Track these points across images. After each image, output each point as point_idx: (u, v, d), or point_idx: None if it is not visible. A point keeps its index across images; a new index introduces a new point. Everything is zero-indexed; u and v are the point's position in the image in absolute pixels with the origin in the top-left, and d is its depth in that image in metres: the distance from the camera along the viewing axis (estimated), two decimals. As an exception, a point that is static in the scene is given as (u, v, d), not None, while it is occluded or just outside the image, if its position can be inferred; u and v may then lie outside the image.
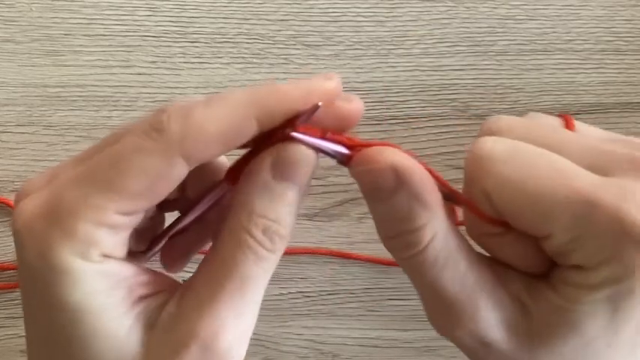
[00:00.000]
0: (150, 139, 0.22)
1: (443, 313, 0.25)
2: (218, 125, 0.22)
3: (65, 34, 0.47)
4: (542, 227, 0.23)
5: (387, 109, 0.48)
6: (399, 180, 0.23)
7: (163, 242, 0.28)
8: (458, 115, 0.49)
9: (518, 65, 0.49)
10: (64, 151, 0.47)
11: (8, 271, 0.47)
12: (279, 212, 0.24)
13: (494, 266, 0.25)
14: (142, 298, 0.24)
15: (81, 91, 0.47)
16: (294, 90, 0.23)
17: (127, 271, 0.24)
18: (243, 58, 0.48)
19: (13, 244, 0.46)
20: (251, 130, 0.23)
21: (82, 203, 0.22)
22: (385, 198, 0.23)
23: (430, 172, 0.25)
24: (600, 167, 0.23)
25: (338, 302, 0.47)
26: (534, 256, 0.25)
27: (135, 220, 0.23)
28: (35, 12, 0.47)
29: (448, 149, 0.48)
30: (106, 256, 0.23)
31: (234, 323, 0.23)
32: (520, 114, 0.49)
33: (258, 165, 0.24)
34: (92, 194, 0.22)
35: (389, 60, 0.49)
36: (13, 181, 0.47)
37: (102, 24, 0.47)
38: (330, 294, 0.48)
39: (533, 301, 0.24)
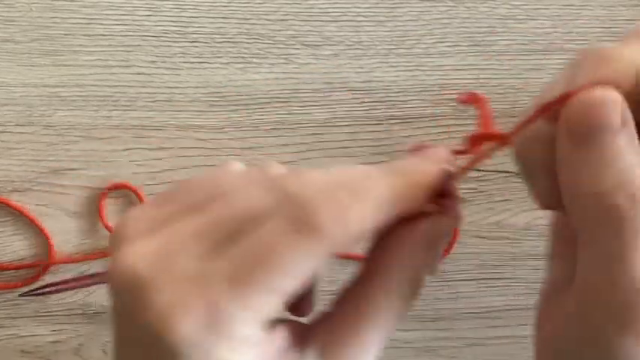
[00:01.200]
0: (304, 237, 0.22)
1: (624, 304, 0.22)
2: (364, 226, 0.23)
3: (65, 34, 0.47)
4: None
5: (387, 109, 0.48)
6: (624, 119, 0.22)
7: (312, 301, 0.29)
8: (458, 115, 0.48)
9: (519, 65, 0.49)
10: (64, 151, 0.47)
11: (8, 271, 0.47)
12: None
13: None
14: (275, 355, 0.24)
15: (80, 91, 0.47)
16: (430, 184, 0.24)
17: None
18: (243, 58, 0.48)
19: (12, 244, 0.46)
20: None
21: (242, 308, 0.22)
22: (608, 141, 0.22)
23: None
24: None
25: (338, 302, 0.47)
26: None
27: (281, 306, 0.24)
28: (35, 12, 0.47)
29: (448, 149, 0.48)
30: (254, 342, 0.23)
31: None
32: (520, 114, 0.50)
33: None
34: (250, 298, 0.22)
35: (389, 60, 0.49)
36: (13, 181, 0.47)
37: (102, 24, 0.47)
38: (330, 294, 0.48)
39: None
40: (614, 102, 0.22)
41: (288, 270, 0.22)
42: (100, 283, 0.46)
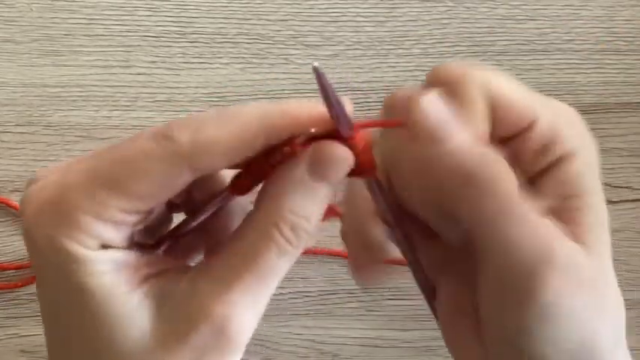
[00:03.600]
0: (159, 145, 0.23)
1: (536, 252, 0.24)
2: (227, 140, 0.23)
3: (65, 34, 0.47)
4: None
5: (386, 109, 0.48)
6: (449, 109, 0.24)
7: (168, 243, 0.28)
8: (458, 115, 0.49)
9: (518, 65, 0.49)
10: (64, 151, 0.47)
11: (8, 271, 0.47)
12: (309, 209, 0.24)
13: None
14: (149, 276, 0.25)
15: (81, 91, 0.47)
16: (302, 112, 0.24)
17: (130, 255, 0.25)
18: (243, 58, 0.48)
19: (12, 244, 0.47)
20: (257, 147, 0.24)
21: (87, 198, 0.23)
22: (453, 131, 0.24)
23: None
24: None
25: (338, 302, 0.47)
26: None
27: (136, 217, 0.24)
28: (35, 12, 0.47)
29: (448, 149, 0.48)
30: (106, 246, 0.24)
31: (247, 310, 0.24)
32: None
33: (294, 161, 0.24)
34: (97, 191, 0.23)
35: (389, 60, 0.49)
36: (13, 181, 0.47)
37: (102, 24, 0.47)
38: (329, 294, 0.48)
39: None
40: (436, 97, 0.24)
41: (138, 172, 0.23)
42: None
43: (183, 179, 0.23)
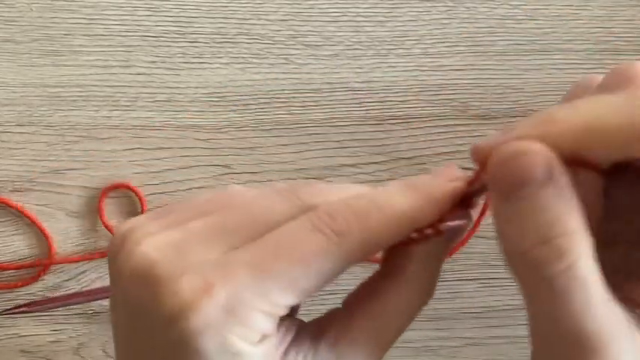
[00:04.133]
0: (331, 242, 0.23)
1: (574, 352, 0.22)
2: (385, 234, 0.24)
3: (65, 34, 0.47)
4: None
5: (387, 109, 0.48)
6: (550, 171, 0.21)
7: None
8: (458, 115, 0.49)
9: (518, 65, 0.49)
10: (64, 151, 0.47)
11: (8, 271, 0.47)
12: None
13: None
14: (289, 349, 0.25)
15: (81, 91, 0.47)
16: (446, 201, 0.24)
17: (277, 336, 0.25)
18: (242, 58, 0.48)
19: (12, 244, 0.46)
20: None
21: (260, 297, 0.23)
22: (531, 194, 0.21)
23: None
24: None
25: (338, 302, 0.47)
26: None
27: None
28: (35, 12, 0.47)
29: (448, 149, 0.48)
30: (266, 336, 0.24)
31: None
32: (520, 114, 0.50)
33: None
34: (270, 290, 0.23)
35: (389, 60, 0.49)
36: (13, 181, 0.47)
37: (102, 24, 0.47)
38: (329, 294, 0.48)
39: None
40: (536, 153, 0.21)
41: (308, 266, 0.23)
42: (80, 302, 0.45)
43: (344, 270, 0.24)
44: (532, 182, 0.21)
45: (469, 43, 0.49)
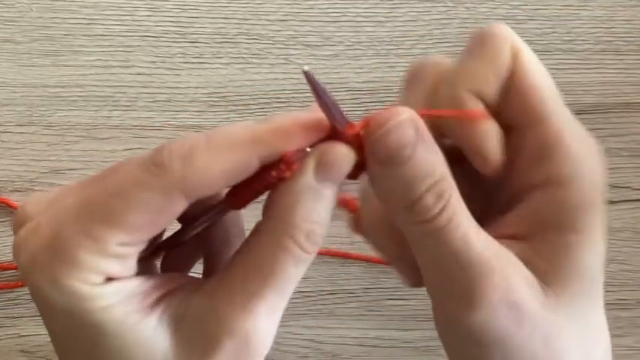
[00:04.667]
0: (151, 174, 0.23)
1: (467, 283, 0.24)
2: (221, 167, 0.23)
3: (65, 34, 0.47)
4: None
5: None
6: (419, 132, 0.23)
7: (163, 253, 0.28)
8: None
9: (518, 65, 0.49)
10: (64, 151, 0.47)
11: (8, 271, 0.47)
12: (321, 213, 0.24)
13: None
14: (160, 299, 0.25)
15: (81, 91, 0.47)
16: (291, 125, 0.24)
17: (137, 282, 0.24)
18: (242, 58, 0.48)
19: (13, 244, 0.46)
20: (252, 169, 0.24)
21: (84, 235, 0.23)
22: (408, 156, 0.23)
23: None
24: None
25: (338, 302, 0.47)
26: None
27: (138, 248, 0.24)
28: (35, 12, 0.47)
29: (448, 149, 0.48)
30: (111, 278, 0.24)
31: (268, 320, 0.24)
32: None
33: (299, 170, 0.24)
34: (93, 227, 0.23)
35: (389, 60, 0.49)
36: (13, 181, 0.47)
37: (102, 24, 0.47)
38: (329, 294, 0.48)
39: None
40: (406, 120, 0.23)
41: (126, 198, 0.23)
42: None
43: (179, 207, 0.23)
44: (407, 146, 0.23)
45: (469, 43, 0.49)
